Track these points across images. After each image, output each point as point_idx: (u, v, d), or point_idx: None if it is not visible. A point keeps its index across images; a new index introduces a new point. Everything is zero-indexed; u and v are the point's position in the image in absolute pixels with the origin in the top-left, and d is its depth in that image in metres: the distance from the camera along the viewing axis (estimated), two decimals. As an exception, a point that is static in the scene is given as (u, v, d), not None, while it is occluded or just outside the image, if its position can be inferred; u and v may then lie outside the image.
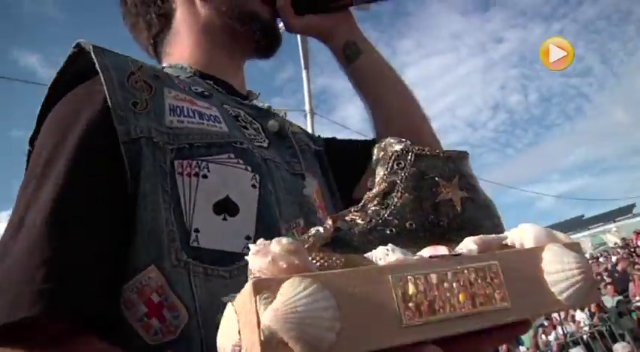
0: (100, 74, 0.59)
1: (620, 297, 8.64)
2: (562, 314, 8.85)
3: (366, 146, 0.93)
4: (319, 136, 0.97)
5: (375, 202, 0.49)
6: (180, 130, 0.61)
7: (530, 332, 7.83)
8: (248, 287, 0.33)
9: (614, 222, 24.42)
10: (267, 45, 0.85)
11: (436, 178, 0.49)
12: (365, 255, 0.42)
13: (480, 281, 0.41)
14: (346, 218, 0.49)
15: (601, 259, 16.11)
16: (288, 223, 0.66)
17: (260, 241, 0.37)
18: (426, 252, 0.43)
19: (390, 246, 0.42)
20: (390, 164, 0.50)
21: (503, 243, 0.47)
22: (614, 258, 14.29)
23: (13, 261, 0.49)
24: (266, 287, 0.33)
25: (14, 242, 0.51)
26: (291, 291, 0.32)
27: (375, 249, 0.44)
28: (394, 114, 0.92)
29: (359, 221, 0.48)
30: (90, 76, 0.61)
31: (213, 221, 0.58)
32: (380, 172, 0.51)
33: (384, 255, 0.41)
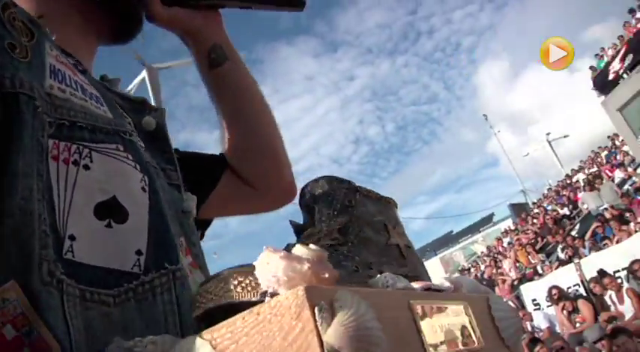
0: None
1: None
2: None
3: (212, 163, 0.85)
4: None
5: (331, 238, 0.44)
6: (62, 102, 0.47)
7: None
8: (296, 295, 0.26)
9: (480, 231, 27.33)
10: (122, 29, 0.73)
11: (384, 222, 0.47)
12: (373, 279, 0.38)
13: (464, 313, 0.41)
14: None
15: (472, 269, 17.85)
16: (177, 240, 0.54)
17: (270, 247, 0.30)
18: (418, 284, 0.41)
19: (389, 274, 0.38)
20: (341, 201, 0.46)
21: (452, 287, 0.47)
22: (482, 267, 15.95)
23: None
24: (320, 298, 0.26)
25: None
26: (351, 306, 0.26)
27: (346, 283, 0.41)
28: (252, 129, 0.83)
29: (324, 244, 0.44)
30: None
31: (94, 227, 0.45)
32: (323, 211, 0.47)
33: (393, 281, 0.37)
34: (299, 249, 0.29)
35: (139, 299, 0.44)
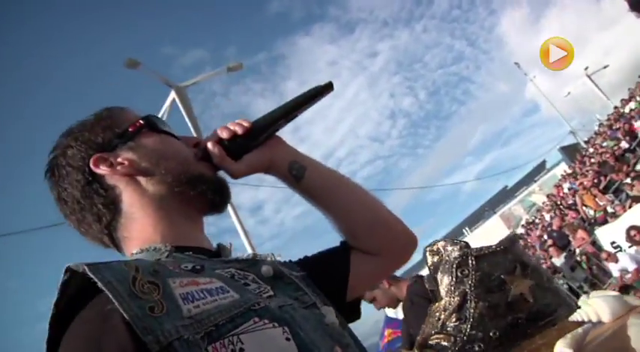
0: (107, 292, 0.55)
1: (565, 253, 9.29)
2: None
3: (339, 253, 0.96)
4: (292, 261, 0.97)
5: (453, 318, 0.48)
6: (201, 315, 0.59)
7: None
8: None
9: (535, 181, 26.36)
10: (222, 198, 0.86)
11: (502, 276, 0.49)
12: None
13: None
14: (430, 343, 0.47)
15: (537, 221, 17.28)
16: (333, 350, 0.66)
17: None
18: None
19: None
20: (455, 273, 0.49)
21: (591, 325, 0.48)
22: (547, 217, 15.40)
23: None
24: None
25: None
26: None
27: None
28: (353, 211, 0.95)
29: (444, 343, 0.47)
30: (87, 297, 0.57)
31: None
32: (444, 281, 0.50)
33: None
34: None
35: None
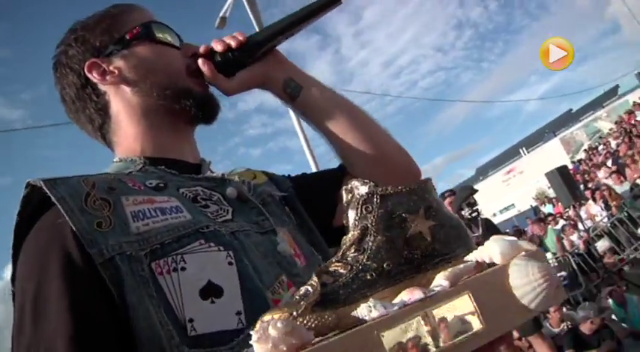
0: (59, 206, 0.61)
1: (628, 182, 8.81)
2: (582, 211, 9.01)
3: (332, 175, 0.96)
4: (287, 176, 0.99)
5: (353, 249, 0.53)
6: (148, 233, 0.64)
7: (553, 237, 8.01)
8: None
9: (603, 107, 24.47)
10: (207, 114, 0.88)
11: (403, 214, 0.53)
12: (352, 313, 0.47)
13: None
14: (330, 269, 0.53)
15: (600, 148, 16.33)
16: (272, 286, 0.70)
17: (258, 326, 0.42)
18: (404, 295, 0.48)
19: (371, 300, 0.46)
20: (360, 208, 0.53)
21: (475, 262, 0.51)
22: (613, 143, 14.48)
23: None
24: None
25: None
26: None
27: (359, 296, 0.50)
28: (353, 142, 0.92)
29: (341, 270, 0.52)
30: (49, 205, 0.63)
31: (202, 307, 0.62)
32: (351, 216, 0.54)
33: (368, 311, 0.46)
34: (270, 328, 0.40)
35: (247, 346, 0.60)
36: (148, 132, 0.83)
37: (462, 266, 0.51)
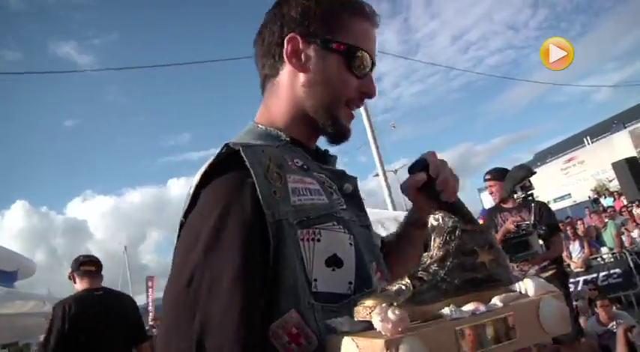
0: (251, 170, 0.75)
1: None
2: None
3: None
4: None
5: (435, 265, 0.73)
6: (300, 207, 0.78)
7: (613, 231, 7.85)
8: (380, 343, 0.58)
9: (678, 103, 21.85)
10: (333, 140, 0.97)
11: (474, 248, 0.74)
12: (432, 311, 0.67)
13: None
14: (418, 276, 0.73)
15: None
16: (369, 266, 0.85)
17: (379, 309, 0.62)
18: (471, 306, 0.69)
19: (452, 306, 0.67)
20: (445, 236, 0.73)
21: (519, 293, 0.73)
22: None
23: (221, 320, 0.68)
24: (392, 345, 0.59)
25: (210, 300, 0.69)
26: (408, 349, 0.57)
27: (437, 299, 0.70)
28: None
29: (425, 278, 0.72)
30: (233, 162, 0.77)
31: (325, 272, 0.76)
32: (436, 240, 0.74)
33: (450, 312, 0.66)
34: (390, 313, 0.62)
35: (350, 307, 0.70)
36: (295, 118, 0.94)
37: (511, 294, 0.72)
